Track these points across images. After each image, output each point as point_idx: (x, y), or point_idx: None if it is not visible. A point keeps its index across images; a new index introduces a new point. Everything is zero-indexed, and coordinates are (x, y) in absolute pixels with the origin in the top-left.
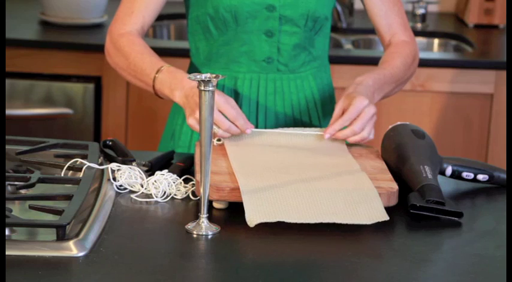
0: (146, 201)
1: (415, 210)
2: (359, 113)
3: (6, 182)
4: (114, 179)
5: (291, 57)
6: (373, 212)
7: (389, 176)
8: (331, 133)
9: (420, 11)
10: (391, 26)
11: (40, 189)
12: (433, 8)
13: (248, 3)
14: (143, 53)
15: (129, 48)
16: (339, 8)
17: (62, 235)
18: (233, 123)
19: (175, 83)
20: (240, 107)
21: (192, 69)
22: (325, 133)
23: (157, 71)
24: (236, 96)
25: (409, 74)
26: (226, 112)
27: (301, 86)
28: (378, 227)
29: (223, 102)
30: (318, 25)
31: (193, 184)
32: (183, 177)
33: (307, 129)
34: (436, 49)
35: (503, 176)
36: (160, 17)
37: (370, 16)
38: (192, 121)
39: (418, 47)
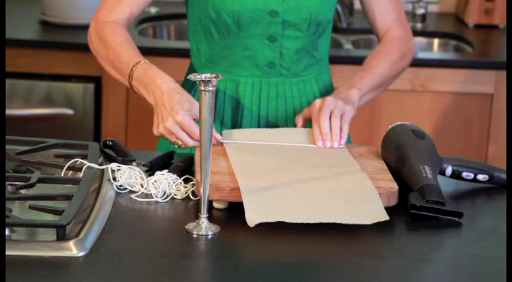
0: (146, 201)
1: (415, 210)
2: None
3: (6, 182)
4: (114, 179)
5: (293, 62)
6: (373, 212)
7: (389, 176)
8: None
9: (420, 11)
10: (386, 22)
11: (40, 189)
12: (433, 8)
13: (251, 8)
14: (122, 44)
15: (110, 38)
16: (339, 8)
17: (62, 235)
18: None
19: (148, 82)
20: (242, 111)
21: (193, 69)
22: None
23: (133, 67)
24: (238, 100)
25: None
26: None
27: (303, 90)
28: (378, 227)
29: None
30: (320, 28)
31: (193, 184)
32: (183, 177)
33: (298, 129)
34: (436, 49)
35: (503, 176)
36: (160, 17)
37: (366, 13)
38: (155, 131)
39: (413, 43)
